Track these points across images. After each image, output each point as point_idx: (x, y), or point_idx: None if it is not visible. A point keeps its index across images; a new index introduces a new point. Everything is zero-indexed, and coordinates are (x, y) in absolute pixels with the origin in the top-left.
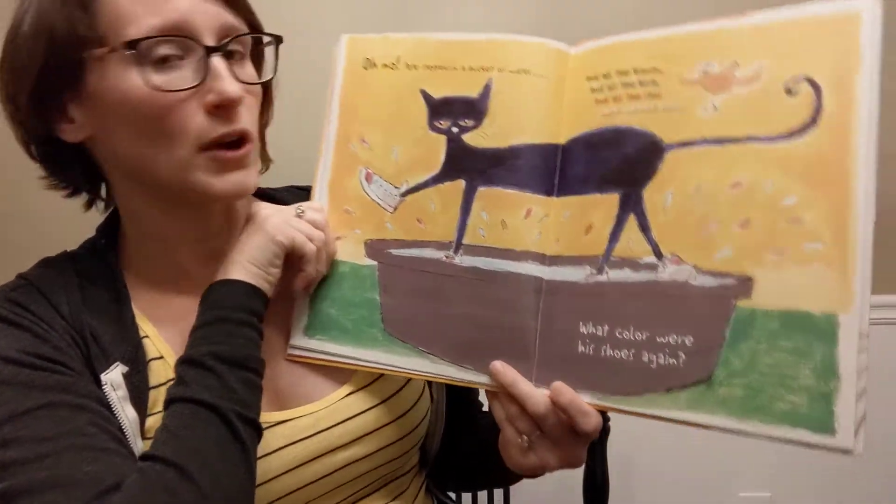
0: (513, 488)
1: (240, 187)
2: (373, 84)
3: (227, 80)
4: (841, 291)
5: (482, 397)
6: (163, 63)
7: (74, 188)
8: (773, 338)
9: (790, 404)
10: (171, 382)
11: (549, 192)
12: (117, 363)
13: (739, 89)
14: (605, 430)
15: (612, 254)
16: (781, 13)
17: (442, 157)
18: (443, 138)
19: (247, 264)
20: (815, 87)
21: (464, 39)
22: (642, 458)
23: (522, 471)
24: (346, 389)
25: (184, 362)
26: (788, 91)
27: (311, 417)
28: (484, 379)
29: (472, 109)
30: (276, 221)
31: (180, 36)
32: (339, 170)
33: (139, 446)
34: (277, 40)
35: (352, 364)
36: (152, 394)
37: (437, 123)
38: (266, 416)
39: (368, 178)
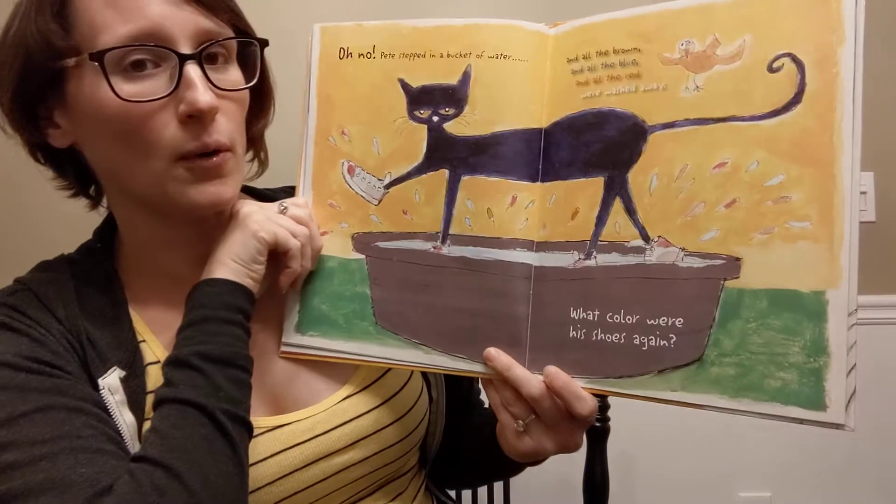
0: (513, 488)
1: (216, 199)
2: (349, 74)
3: (200, 90)
4: (829, 268)
5: (482, 397)
6: (137, 72)
7: (76, 190)
8: (762, 316)
9: (781, 381)
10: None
11: (533, 178)
12: (115, 368)
13: (721, 68)
14: (604, 430)
15: (600, 238)
16: None
17: (423, 147)
18: (424, 128)
19: (229, 262)
20: (798, 63)
21: (439, 25)
22: (642, 457)
23: (520, 456)
24: (344, 392)
25: (170, 363)
26: (771, 68)
27: (309, 421)
28: (477, 367)
29: (451, 97)
30: (258, 218)
31: (151, 45)
32: (320, 163)
33: (137, 450)
34: (262, 44)
35: (346, 358)
36: (150, 398)
37: (417, 113)
38: (262, 421)
39: (351, 170)
